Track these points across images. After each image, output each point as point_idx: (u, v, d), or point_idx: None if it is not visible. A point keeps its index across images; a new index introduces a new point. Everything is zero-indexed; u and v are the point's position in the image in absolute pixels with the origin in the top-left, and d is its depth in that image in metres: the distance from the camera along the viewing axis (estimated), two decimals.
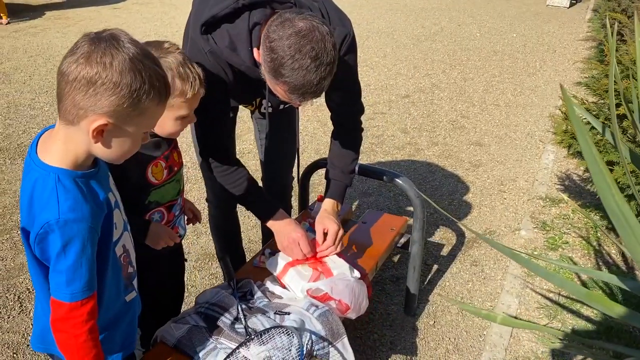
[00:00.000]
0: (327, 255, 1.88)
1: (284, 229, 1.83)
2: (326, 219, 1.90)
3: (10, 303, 2.47)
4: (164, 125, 1.54)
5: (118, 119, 1.05)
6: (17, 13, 7.75)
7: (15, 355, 2.19)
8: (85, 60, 1.00)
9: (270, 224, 1.86)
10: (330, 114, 2.01)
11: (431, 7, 9.97)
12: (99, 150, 1.09)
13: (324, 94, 1.88)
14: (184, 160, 1.76)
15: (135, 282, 1.36)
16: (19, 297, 2.51)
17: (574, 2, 10.86)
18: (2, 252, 2.81)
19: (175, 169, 1.66)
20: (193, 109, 1.56)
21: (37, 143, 1.12)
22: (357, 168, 2.07)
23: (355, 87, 1.93)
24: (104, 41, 1.02)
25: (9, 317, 2.39)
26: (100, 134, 1.06)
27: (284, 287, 1.79)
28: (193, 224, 1.92)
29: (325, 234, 1.88)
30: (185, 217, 1.84)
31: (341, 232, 1.90)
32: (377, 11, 9.39)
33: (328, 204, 1.98)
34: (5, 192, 3.38)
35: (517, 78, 6.06)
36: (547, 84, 5.90)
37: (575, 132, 1.09)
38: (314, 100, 1.58)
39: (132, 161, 1.49)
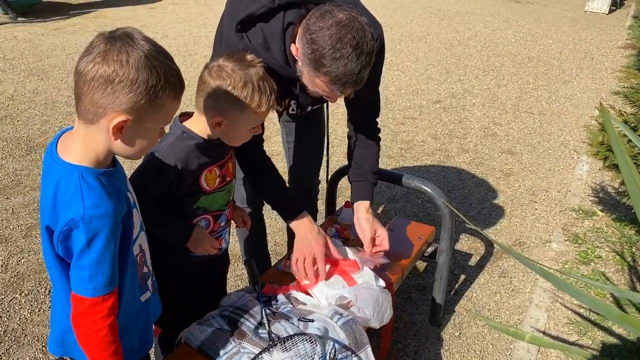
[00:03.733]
0: (378, 254, 1.91)
1: (306, 235, 1.81)
2: (376, 222, 1.93)
3: (42, 297, 2.53)
4: (235, 135, 1.56)
5: (136, 115, 1.07)
6: (57, 11, 7.96)
7: (44, 347, 2.24)
8: (102, 59, 1.02)
9: (294, 225, 1.84)
10: (347, 117, 2.02)
11: (465, 11, 9.85)
12: (119, 147, 1.11)
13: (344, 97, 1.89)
14: None
15: (149, 283, 1.36)
16: (50, 290, 2.56)
17: (614, 8, 10.59)
18: (36, 246, 2.88)
19: (228, 179, 1.67)
20: (263, 120, 1.58)
21: (56, 144, 1.14)
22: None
23: (377, 91, 1.95)
24: (119, 39, 1.04)
25: (39, 311, 2.44)
26: (119, 130, 1.08)
27: (307, 293, 1.78)
28: (241, 228, 1.93)
29: (373, 238, 1.91)
30: (229, 230, 1.84)
31: (385, 233, 1.93)
32: (410, 15, 9.32)
33: (366, 205, 1.96)
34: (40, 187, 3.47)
35: (552, 85, 5.94)
36: (583, 92, 5.76)
37: (612, 145, 1.05)
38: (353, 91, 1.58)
39: (188, 164, 1.53)
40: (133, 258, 1.24)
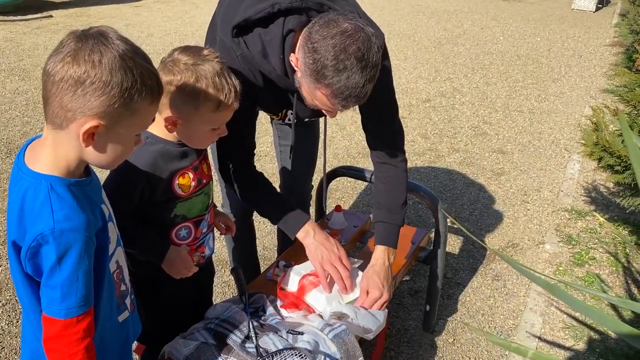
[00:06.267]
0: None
1: (323, 245, 1.69)
2: (371, 281, 1.71)
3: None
4: (193, 135, 1.46)
5: (109, 120, 0.99)
6: (39, 9, 7.79)
7: None
8: (72, 58, 0.94)
9: (302, 237, 1.71)
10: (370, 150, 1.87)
11: (453, 9, 9.82)
12: (91, 155, 1.03)
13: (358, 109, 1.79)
14: None
15: (128, 301, 1.27)
16: None
17: (600, 6, 10.62)
18: None
19: (204, 181, 1.57)
20: (225, 121, 1.47)
21: (24, 152, 1.05)
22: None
23: (389, 103, 1.81)
24: (91, 38, 0.96)
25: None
26: (91, 137, 0.99)
27: (296, 305, 1.70)
28: (225, 234, 1.84)
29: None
30: (213, 235, 1.75)
31: (385, 298, 1.70)
32: (399, 13, 9.27)
33: (378, 253, 1.78)
34: None
35: (542, 83, 5.91)
36: (573, 90, 5.74)
37: (630, 156, 0.99)
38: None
39: (156, 171, 1.43)
40: (109, 275, 1.15)
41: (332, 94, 1.40)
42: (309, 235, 1.70)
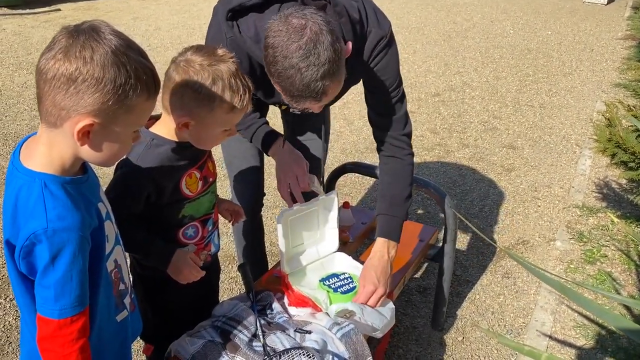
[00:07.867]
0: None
1: (285, 159, 1.76)
2: (367, 275, 1.67)
3: None
4: (204, 137, 1.43)
5: (104, 117, 0.96)
6: (48, 3, 7.79)
7: None
8: (63, 55, 0.92)
9: (272, 153, 1.80)
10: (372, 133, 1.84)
11: (463, 2, 9.72)
12: (86, 153, 1.01)
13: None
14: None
15: (127, 301, 1.25)
16: None
17: None
18: None
19: (211, 179, 1.55)
20: (237, 122, 1.44)
21: (19, 150, 1.03)
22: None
23: (394, 93, 1.74)
24: (83, 34, 0.93)
25: None
26: (86, 135, 0.97)
27: (303, 302, 1.68)
28: (233, 222, 1.80)
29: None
30: (218, 232, 1.71)
31: (380, 292, 1.65)
32: (407, 6, 9.19)
33: (377, 246, 1.74)
34: None
35: (552, 78, 5.84)
36: (584, 84, 5.66)
37: None
38: (317, 105, 1.42)
39: (164, 173, 1.40)
40: (107, 275, 1.13)
41: (282, 91, 1.39)
42: (276, 152, 1.79)
